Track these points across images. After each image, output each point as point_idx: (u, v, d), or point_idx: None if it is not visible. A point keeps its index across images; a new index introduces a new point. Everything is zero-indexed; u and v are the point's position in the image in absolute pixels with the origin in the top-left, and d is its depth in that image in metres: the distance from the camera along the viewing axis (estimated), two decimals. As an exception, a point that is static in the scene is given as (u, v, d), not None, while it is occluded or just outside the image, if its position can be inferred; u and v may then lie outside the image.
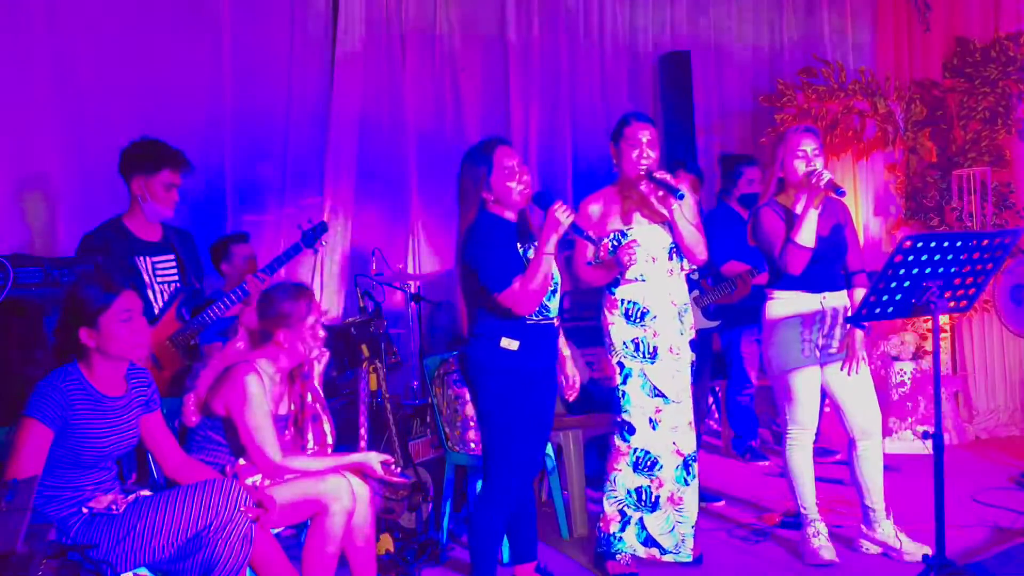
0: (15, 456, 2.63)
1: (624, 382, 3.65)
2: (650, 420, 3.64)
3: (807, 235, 3.56)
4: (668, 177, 3.53)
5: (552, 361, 3.34)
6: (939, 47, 6.35)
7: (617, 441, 3.68)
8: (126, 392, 2.88)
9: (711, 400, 5.99)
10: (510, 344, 3.14)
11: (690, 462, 3.69)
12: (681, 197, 3.52)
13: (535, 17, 6.20)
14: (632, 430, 3.65)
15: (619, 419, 3.68)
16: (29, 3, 4.41)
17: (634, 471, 3.66)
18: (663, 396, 3.63)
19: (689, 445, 3.69)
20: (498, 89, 6.14)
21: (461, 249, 3.18)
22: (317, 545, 3.05)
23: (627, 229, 3.61)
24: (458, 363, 3.37)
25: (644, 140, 3.57)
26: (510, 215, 3.21)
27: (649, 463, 3.65)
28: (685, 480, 3.68)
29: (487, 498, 3.25)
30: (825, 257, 3.67)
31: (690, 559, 3.69)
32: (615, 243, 3.59)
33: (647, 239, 3.61)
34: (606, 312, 3.69)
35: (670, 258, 3.65)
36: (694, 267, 3.80)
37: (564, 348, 3.47)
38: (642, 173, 3.56)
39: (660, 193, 3.55)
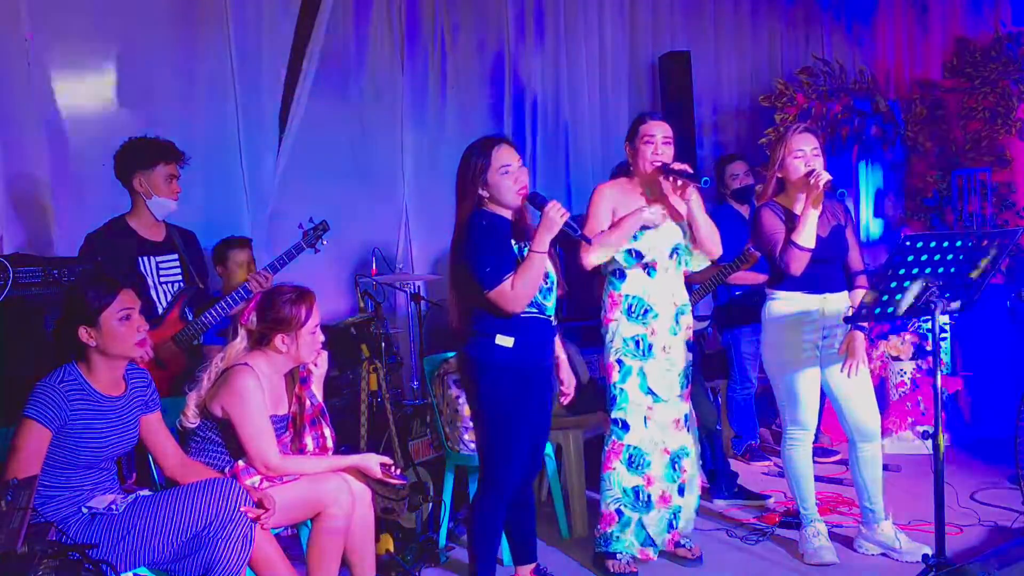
0: (14, 456, 2.64)
1: (623, 380, 3.66)
2: (643, 418, 3.66)
3: (807, 236, 3.56)
4: (686, 166, 3.56)
5: (549, 359, 3.32)
6: (939, 47, 6.36)
7: (612, 439, 3.70)
8: (125, 392, 2.88)
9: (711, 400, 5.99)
10: (505, 341, 3.12)
11: (676, 459, 3.72)
12: (707, 183, 3.57)
13: (534, 17, 6.19)
14: (627, 427, 3.67)
15: (613, 417, 3.69)
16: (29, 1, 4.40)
17: (628, 469, 3.68)
18: (654, 394, 3.66)
19: (676, 442, 3.72)
20: (497, 89, 6.14)
21: (456, 245, 3.17)
22: (320, 546, 3.05)
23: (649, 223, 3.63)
24: (457, 363, 3.36)
25: (659, 137, 3.61)
26: (506, 213, 3.19)
27: (640, 461, 3.68)
28: (672, 478, 3.72)
29: (485, 500, 3.23)
30: (826, 258, 3.67)
31: (659, 550, 3.74)
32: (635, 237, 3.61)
33: (664, 234, 3.65)
34: (608, 310, 3.69)
35: (670, 257, 3.67)
36: (699, 266, 3.80)
37: (561, 352, 3.45)
38: (658, 166, 3.59)
39: (679, 183, 3.57)
